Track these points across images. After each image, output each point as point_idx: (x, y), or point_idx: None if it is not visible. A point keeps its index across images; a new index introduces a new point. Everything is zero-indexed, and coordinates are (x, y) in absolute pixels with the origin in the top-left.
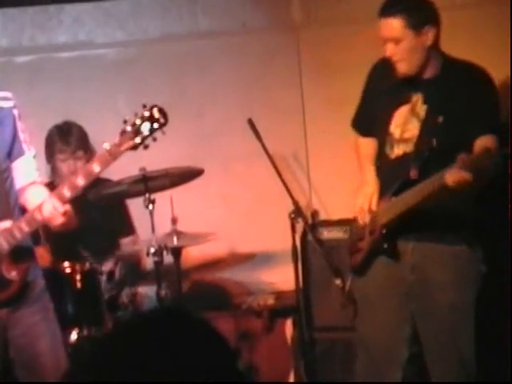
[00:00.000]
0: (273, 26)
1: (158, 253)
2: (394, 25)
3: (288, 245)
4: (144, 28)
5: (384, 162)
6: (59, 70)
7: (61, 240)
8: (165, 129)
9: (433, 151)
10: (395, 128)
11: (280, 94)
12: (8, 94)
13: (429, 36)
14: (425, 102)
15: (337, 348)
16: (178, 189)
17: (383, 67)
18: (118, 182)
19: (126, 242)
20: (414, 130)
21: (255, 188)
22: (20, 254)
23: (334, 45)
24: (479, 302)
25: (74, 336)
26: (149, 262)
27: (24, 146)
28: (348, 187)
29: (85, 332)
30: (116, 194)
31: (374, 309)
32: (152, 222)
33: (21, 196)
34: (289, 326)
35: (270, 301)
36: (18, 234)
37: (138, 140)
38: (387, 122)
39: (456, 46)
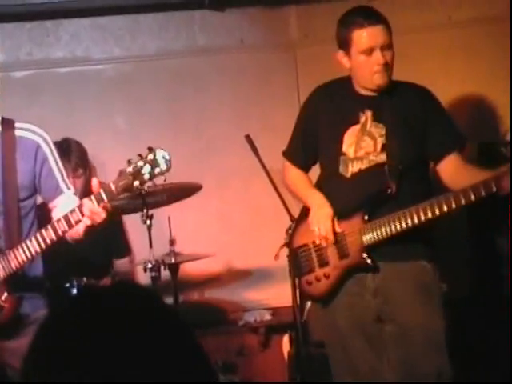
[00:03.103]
0: (270, 44)
1: (156, 268)
2: (387, 31)
3: (285, 261)
4: (141, 44)
5: (338, 182)
6: (56, 85)
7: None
8: (161, 145)
9: (403, 165)
10: (348, 147)
11: (277, 111)
12: (35, 128)
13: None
14: (376, 119)
15: None
16: (175, 206)
17: (323, 94)
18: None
19: (121, 263)
20: (367, 147)
21: (252, 204)
22: (17, 283)
23: (331, 62)
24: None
25: None
26: (145, 280)
27: (62, 184)
28: None
29: None
30: (114, 208)
31: (347, 340)
32: (150, 238)
33: None
34: (285, 342)
35: (267, 317)
36: (12, 263)
37: (136, 183)
38: (338, 143)
39: (454, 64)
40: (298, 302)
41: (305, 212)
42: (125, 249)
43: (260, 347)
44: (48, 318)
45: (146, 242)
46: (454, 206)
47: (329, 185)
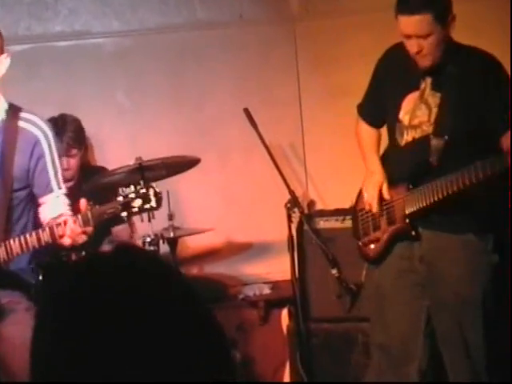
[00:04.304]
0: (270, 18)
1: (155, 242)
2: (424, 21)
3: (284, 235)
4: (141, 18)
5: (393, 149)
6: (56, 59)
7: None
8: (161, 119)
9: (451, 138)
10: (404, 115)
11: (277, 85)
12: (38, 121)
13: (452, 25)
14: (434, 88)
15: (333, 339)
16: (174, 179)
17: (394, 55)
18: (114, 172)
19: (119, 230)
20: (422, 116)
21: (251, 178)
22: None
23: (331, 36)
24: (492, 291)
25: None
26: None
27: (53, 182)
28: (344, 177)
29: None
30: (112, 183)
31: (389, 301)
32: (148, 212)
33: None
34: (285, 317)
35: (266, 291)
36: None
37: (124, 214)
38: (397, 109)
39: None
40: (297, 277)
41: None
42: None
43: (259, 321)
44: (53, 290)
45: (144, 216)
46: (489, 172)
47: (388, 150)
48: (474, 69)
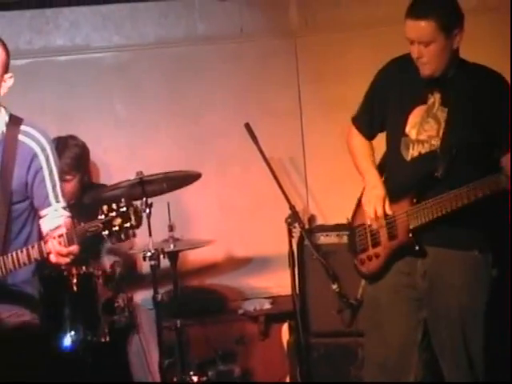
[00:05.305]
0: (270, 31)
1: (155, 256)
2: (427, 27)
3: (284, 250)
4: (141, 32)
5: (398, 163)
6: (56, 73)
7: None
8: (160, 131)
9: (458, 152)
10: (411, 129)
11: (277, 98)
12: (37, 134)
13: (457, 39)
14: (443, 103)
15: (333, 353)
16: (174, 192)
17: (397, 67)
18: (115, 186)
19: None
20: (430, 130)
21: (252, 192)
22: None
23: (331, 49)
24: (490, 304)
25: (68, 339)
26: (145, 266)
27: (51, 196)
28: (345, 192)
29: (81, 335)
30: (113, 197)
31: (386, 314)
32: (149, 226)
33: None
34: (285, 331)
35: (266, 306)
36: None
37: (105, 232)
38: (403, 123)
39: None
40: (298, 292)
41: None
42: None
43: (259, 336)
44: None
45: (145, 230)
46: (494, 189)
47: (390, 163)
48: (482, 85)
